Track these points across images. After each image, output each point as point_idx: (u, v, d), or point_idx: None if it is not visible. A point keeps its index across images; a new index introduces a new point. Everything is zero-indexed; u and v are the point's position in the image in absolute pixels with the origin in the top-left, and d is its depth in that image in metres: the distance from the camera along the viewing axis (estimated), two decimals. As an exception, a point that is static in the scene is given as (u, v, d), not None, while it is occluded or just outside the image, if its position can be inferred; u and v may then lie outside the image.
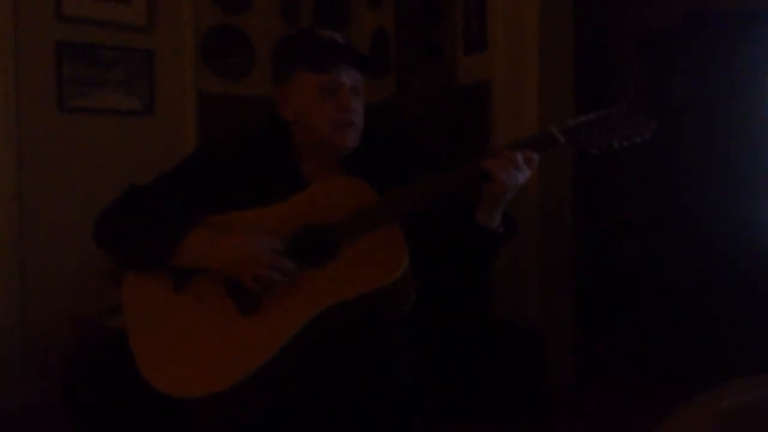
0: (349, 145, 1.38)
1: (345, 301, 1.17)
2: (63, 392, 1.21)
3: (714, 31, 3.58)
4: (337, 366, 1.21)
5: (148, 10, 2.85)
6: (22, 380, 2.59)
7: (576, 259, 2.72)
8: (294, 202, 1.31)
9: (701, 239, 3.56)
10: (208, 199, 1.35)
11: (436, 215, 1.38)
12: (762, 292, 3.21)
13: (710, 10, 3.59)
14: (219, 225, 1.27)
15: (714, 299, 3.44)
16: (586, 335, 2.83)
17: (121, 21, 2.79)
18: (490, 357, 2.38)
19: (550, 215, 2.59)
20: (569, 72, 2.66)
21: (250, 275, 1.20)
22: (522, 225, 2.48)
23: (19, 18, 2.58)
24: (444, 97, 2.96)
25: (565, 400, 2.59)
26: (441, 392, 1.40)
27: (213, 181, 1.37)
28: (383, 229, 1.23)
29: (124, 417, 1.18)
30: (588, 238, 3.01)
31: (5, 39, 2.54)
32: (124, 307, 1.27)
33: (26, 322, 2.61)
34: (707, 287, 3.49)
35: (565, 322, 2.69)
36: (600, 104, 1.38)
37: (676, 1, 3.76)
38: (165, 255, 1.23)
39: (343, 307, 1.17)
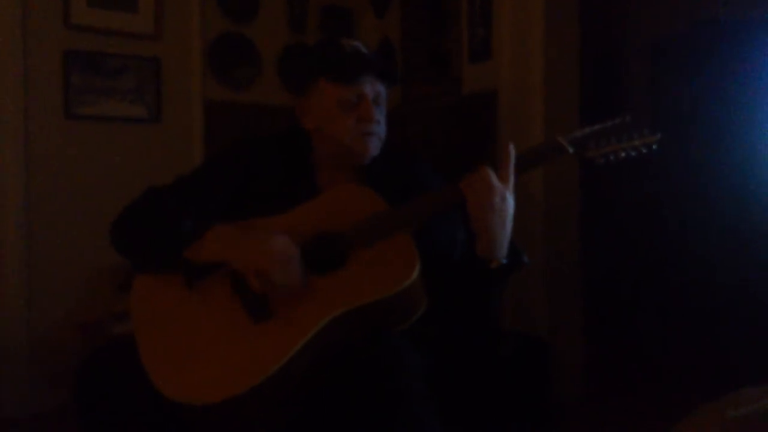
0: (369, 153, 1.38)
1: (356, 308, 1.16)
2: (74, 399, 1.20)
3: (720, 39, 3.58)
4: (342, 371, 1.21)
5: (155, 18, 2.87)
6: (30, 387, 2.60)
7: (584, 268, 2.71)
8: (305, 209, 1.31)
9: (710, 247, 3.55)
10: (224, 203, 1.36)
11: (449, 234, 1.37)
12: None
13: (715, 18, 3.60)
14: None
15: (724, 307, 3.42)
16: (594, 344, 2.82)
17: (128, 29, 2.81)
18: (498, 365, 2.37)
19: (557, 222, 2.59)
20: (574, 80, 2.66)
21: (254, 270, 1.19)
22: (528, 232, 2.51)
23: (27, 26, 2.60)
24: (449, 106, 2.96)
25: (573, 409, 2.58)
26: (448, 401, 1.39)
27: (229, 186, 1.39)
28: (395, 238, 1.22)
29: (132, 423, 1.17)
30: (595, 246, 3.00)
31: (14, 47, 2.56)
32: (133, 312, 1.27)
33: (33, 329, 2.61)
34: (717, 295, 3.47)
35: (573, 331, 2.68)
36: (605, 112, 1.39)
37: (681, 10, 3.77)
38: (184, 245, 1.24)
39: (354, 314, 1.17)
